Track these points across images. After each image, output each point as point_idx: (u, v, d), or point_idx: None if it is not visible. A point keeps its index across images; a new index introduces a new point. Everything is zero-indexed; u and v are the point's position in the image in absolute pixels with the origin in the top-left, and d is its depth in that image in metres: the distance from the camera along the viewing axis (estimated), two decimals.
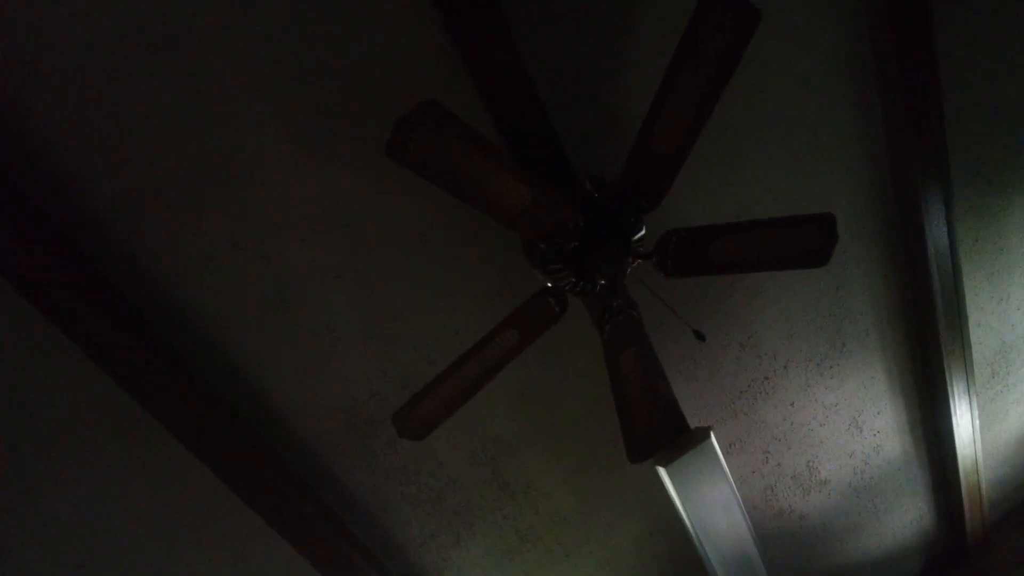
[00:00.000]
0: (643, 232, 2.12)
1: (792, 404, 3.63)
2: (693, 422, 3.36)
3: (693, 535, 2.84)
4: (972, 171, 3.25)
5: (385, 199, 2.39)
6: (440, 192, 1.61)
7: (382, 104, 2.22)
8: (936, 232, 3.17)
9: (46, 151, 1.98)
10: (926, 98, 2.79)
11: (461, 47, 2.04)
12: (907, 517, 4.43)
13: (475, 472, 3.12)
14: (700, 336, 2.09)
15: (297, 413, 2.68)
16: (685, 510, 2.75)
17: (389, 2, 2.10)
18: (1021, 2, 2.89)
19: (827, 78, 2.76)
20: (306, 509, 2.74)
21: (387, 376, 2.72)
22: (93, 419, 2.40)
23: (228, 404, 2.49)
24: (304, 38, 2.07)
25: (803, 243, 2.05)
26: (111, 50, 1.92)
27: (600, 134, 2.52)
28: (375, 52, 2.16)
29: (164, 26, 1.93)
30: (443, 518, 3.18)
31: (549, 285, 2.15)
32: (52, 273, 2.01)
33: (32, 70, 1.87)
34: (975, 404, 3.89)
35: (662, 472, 2.67)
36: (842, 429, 3.86)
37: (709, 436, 2.65)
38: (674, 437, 2.41)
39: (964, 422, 3.92)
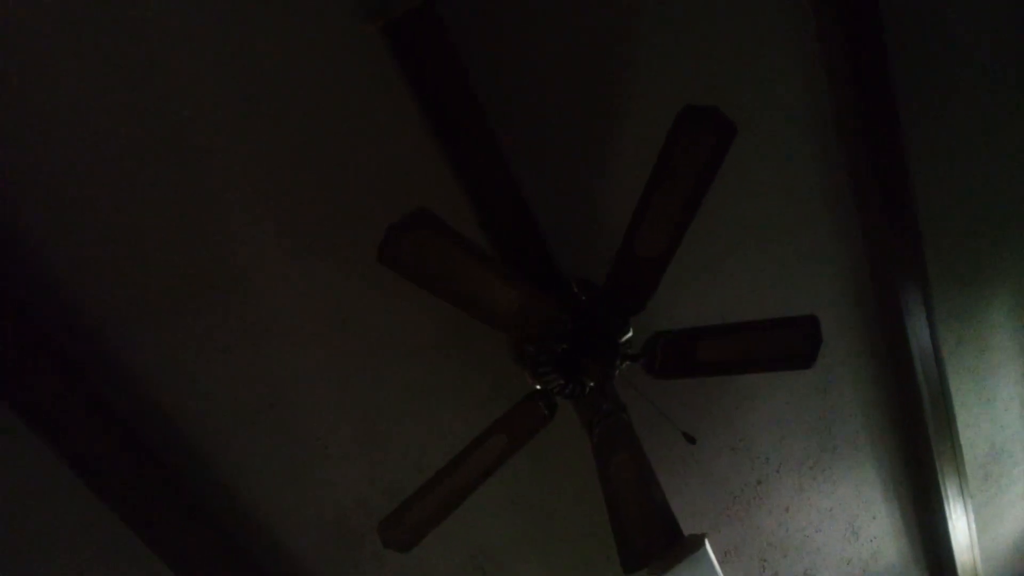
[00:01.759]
0: (630, 334, 2.14)
1: (787, 509, 3.56)
2: (687, 528, 3.26)
3: None
4: (950, 274, 3.32)
5: (375, 305, 2.41)
6: (431, 297, 1.63)
7: (375, 212, 2.28)
8: (919, 334, 3.21)
9: (35, 256, 1.99)
10: (901, 203, 2.89)
11: (450, 155, 2.11)
12: None
13: None
14: (691, 439, 2.08)
15: (281, 522, 2.61)
16: None
17: (380, 113, 2.18)
18: (991, 110, 3.04)
19: (804, 184, 2.86)
20: None
21: (374, 484, 2.67)
22: (71, 527, 2.33)
23: (209, 511, 2.42)
24: (300, 148, 2.14)
25: (788, 345, 2.07)
26: (104, 155, 1.96)
27: (586, 238, 2.58)
28: (369, 161, 2.22)
29: (157, 132, 1.98)
30: None
31: (538, 388, 2.15)
32: (36, 376, 1.99)
33: (23, 175, 1.91)
34: (970, 507, 3.83)
35: None
36: (838, 535, 3.78)
37: (704, 544, 2.60)
38: (668, 545, 2.36)
39: (960, 525, 3.85)
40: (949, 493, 3.72)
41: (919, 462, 3.70)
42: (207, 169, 2.07)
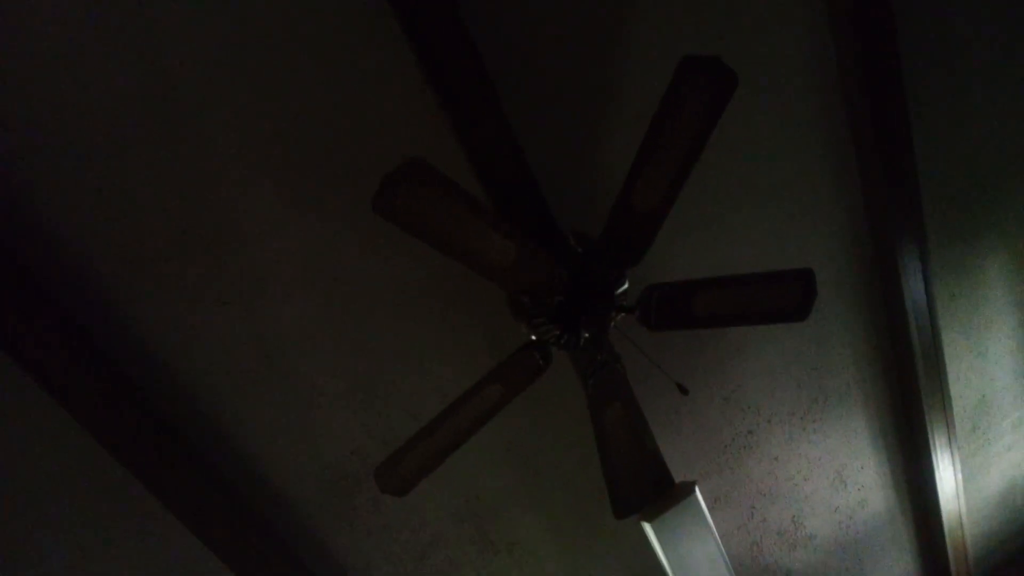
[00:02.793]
0: (626, 286, 2.14)
1: (776, 458, 3.62)
2: (678, 476, 3.34)
3: None
4: (946, 230, 3.32)
5: (371, 255, 2.41)
6: (426, 248, 1.62)
7: (369, 161, 2.26)
8: (914, 288, 3.23)
9: (31, 211, 1.99)
10: (901, 159, 2.87)
11: (448, 105, 2.08)
12: (893, 573, 4.39)
13: (458, 529, 3.07)
14: (684, 390, 2.10)
15: (279, 470, 2.65)
16: (670, 566, 2.72)
17: (377, 64, 2.15)
18: (993, 67, 3.00)
19: (804, 137, 2.84)
20: (286, 568, 2.69)
21: (370, 432, 2.70)
22: (73, 476, 2.36)
23: (210, 461, 2.46)
24: (294, 99, 2.11)
25: (783, 298, 2.08)
26: (103, 113, 1.95)
27: (584, 190, 2.56)
28: (363, 111, 2.20)
29: (154, 87, 1.97)
30: None
31: (533, 339, 2.16)
32: (39, 334, 2.00)
33: (24, 135, 1.90)
34: (957, 458, 3.90)
35: (647, 528, 2.65)
36: (826, 483, 3.85)
37: (694, 491, 2.65)
38: (659, 492, 2.40)
39: (947, 476, 3.92)
40: (937, 444, 3.78)
41: (908, 413, 3.76)
42: (202, 122, 2.05)
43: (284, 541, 2.70)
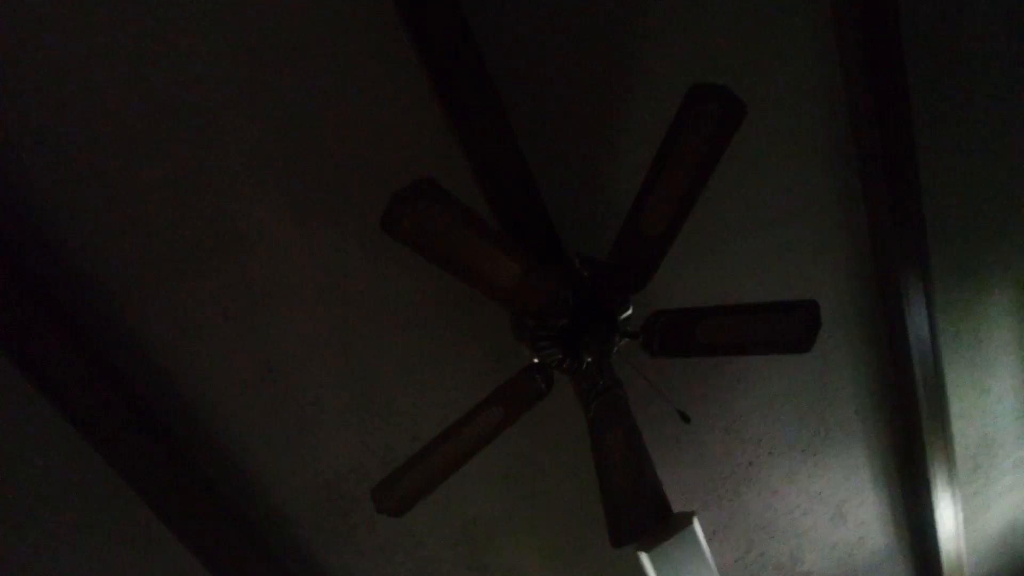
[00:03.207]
0: (630, 311, 2.14)
1: (776, 491, 3.59)
2: (676, 506, 3.31)
3: None
4: (951, 267, 3.33)
5: (377, 273, 2.41)
6: (432, 266, 1.63)
7: (377, 180, 2.27)
8: (918, 324, 3.22)
9: (42, 219, 1.99)
10: (907, 195, 2.88)
11: (457, 126, 2.09)
12: None
13: (454, 553, 3.04)
14: (685, 418, 2.09)
15: (277, 486, 2.63)
16: None
17: (386, 80, 2.16)
18: (1000, 104, 3.02)
19: (811, 170, 2.85)
20: None
21: (369, 451, 2.68)
22: (72, 489, 2.35)
23: (207, 476, 2.45)
24: (301, 114, 2.13)
25: (787, 329, 2.07)
26: (113, 120, 1.96)
27: (590, 214, 2.57)
28: (370, 128, 2.21)
29: (165, 97, 1.98)
30: None
31: (536, 361, 2.15)
32: (40, 340, 1.99)
33: (34, 138, 1.91)
34: (958, 497, 3.86)
35: (644, 558, 2.62)
36: (826, 519, 3.82)
37: (692, 522, 2.62)
38: (657, 521, 2.38)
39: (947, 515, 3.89)
40: (938, 482, 3.75)
41: (910, 450, 3.73)
42: (210, 134, 2.07)
43: (279, 558, 2.68)
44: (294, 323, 2.39)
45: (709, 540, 3.51)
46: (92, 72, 1.89)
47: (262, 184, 2.17)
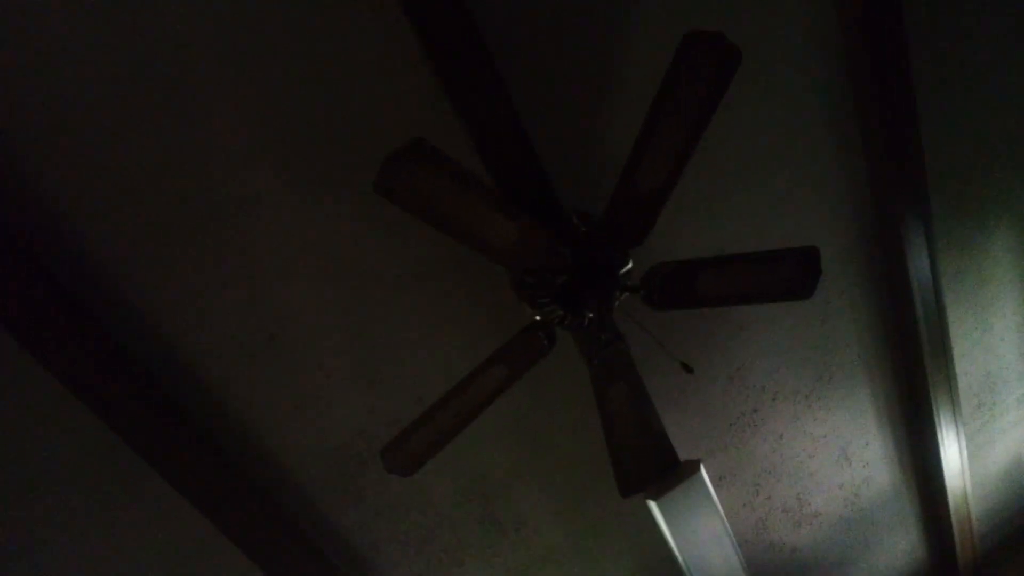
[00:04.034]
0: (630, 266, 2.13)
1: (781, 436, 3.63)
2: (683, 455, 3.35)
3: (685, 570, 2.82)
4: (952, 206, 3.31)
5: (375, 237, 2.41)
6: (430, 229, 1.62)
7: (371, 143, 2.25)
8: (919, 265, 3.21)
9: (36, 191, 1.98)
10: (905, 134, 2.85)
11: (450, 86, 2.07)
12: (898, 549, 4.41)
13: (465, 509, 3.09)
14: (688, 369, 2.11)
15: (286, 451, 2.66)
16: (676, 544, 2.73)
17: (380, 44, 2.13)
18: (997, 41, 2.97)
19: (808, 114, 2.82)
20: (294, 548, 2.71)
21: (376, 414, 2.71)
22: (84, 461, 2.37)
23: (217, 443, 2.47)
24: (296, 80, 2.10)
25: (788, 276, 2.07)
26: (105, 90, 1.94)
27: (587, 170, 2.55)
28: (363, 90, 2.19)
29: (157, 65, 1.96)
30: (432, 557, 3.15)
31: (537, 319, 2.16)
32: (42, 314, 2.00)
33: (24, 109, 1.89)
34: (962, 435, 3.90)
35: (652, 506, 2.66)
36: (831, 461, 3.86)
37: (699, 469, 2.65)
38: (664, 470, 2.41)
39: (952, 453, 3.93)
40: (942, 420, 3.78)
41: (913, 390, 3.76)
42: (204, 104, 2.05)
43: (292, 520, 2.72)
44: (293, 289, 2.39)
45: (716, 486, 3.56)
46: (83, 43, 1.87)
47: (258, 151, 2.15)
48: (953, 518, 4.19)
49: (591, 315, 2.08)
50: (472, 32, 2.01)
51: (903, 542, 4.39)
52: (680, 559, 2.78)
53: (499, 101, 2.12)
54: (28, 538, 2.44)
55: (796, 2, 2.59)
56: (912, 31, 2.69)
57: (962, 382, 3.88)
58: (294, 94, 2.12)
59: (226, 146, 2.12)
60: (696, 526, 2.73)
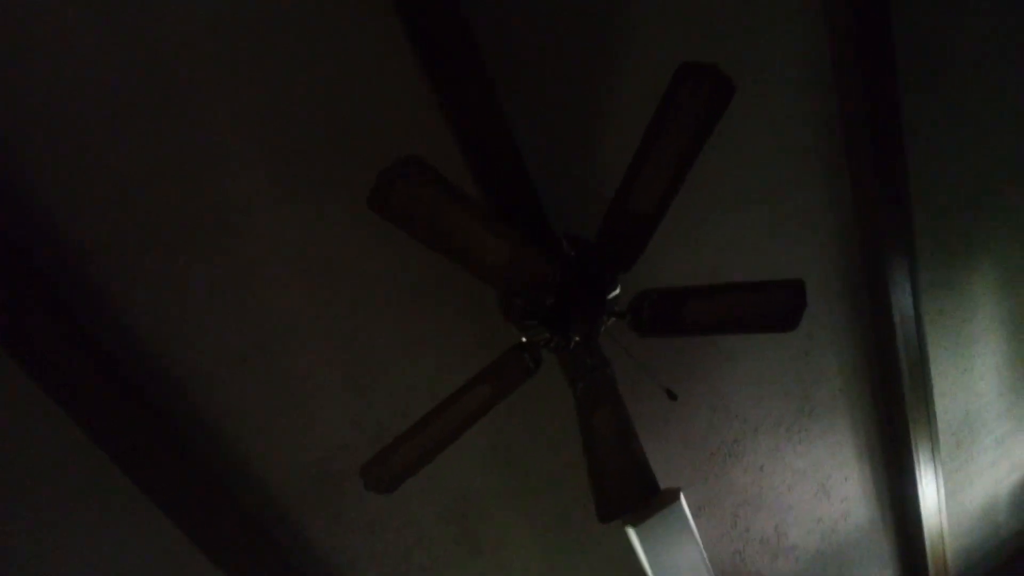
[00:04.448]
0: (618, 291, 2.14)
1: (761, 468, 3.63)
2: (663, 483, 3.35)
3: None
4: (936, 244, 3.35)
5: (365, 251, 2.41)
6: (420, 245, 1.62)
7: (365, 157, 2.26)
8: (902, 302, 3.25)
9: (24, 195, 1.97)
10: (893, 172, 2.89)
11: (446, 104, 2.08)
12: None
13: (444, 529, 3.07)
14: (672, 396, 2.11)
15: (265, 464, 2.63)
16: (653, 572, 2.73)
17: (375, 58, 2.15)
18: (987, 83, 3.03)
19: (798, 147, 2.86)
20: (270, 563, 2.68)
21: (359, 428, 2.69)
22: (59, 468, 2.34)
23: (195, 452, 2.45)
24: (291, 90, 2.11)
25: (774, 307, 2.09)
26: (99, 95, 1.94)
27: (578, 193, 2.57)
28: (358, 104, 2.20)
29: (151, 72, 1.96)
30: (409, 575, 3.11)
31: (524, 340, 2.16)
32: (28, 319, 1.98)
33: (18, 112, 1.89)
34: (940, 473, 3.92)
35: (631, 533, 2.65)
36: (810, 494, 3.87)
37: (679, 497, 2.65)
38: (644, 498, 2.41)
39: (930, 491, 3.95)
40: (921, 458, 3.80)
41: (893, 427, 3.78)
42: (197, 109, 2.05)
43: (268, 534, 2.69)
44: (281, 300, 2.38)
45: (695, 515, 3.56)
46: (75, 44, 1.87)
47: (249, 160, 2.16)
48: (929, 556, 4.20)
49: (577, 339, 2.08)
50: (470, 51, 2.03)
51: None
52: None
53: (494, 121, 2.14)
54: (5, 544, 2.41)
55: (791, 36, 2.63)
56: (903, 72, 2.73)
57: (942, 421, 3.91)
58: (288, 102, 2.13)
59: (217, 155, 2.12)
60: (674, 554, 2.73)
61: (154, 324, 2.28)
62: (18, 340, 1.99)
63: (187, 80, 2.01)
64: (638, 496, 2.39)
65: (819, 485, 3.85)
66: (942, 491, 4.01)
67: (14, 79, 1.85)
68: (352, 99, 2.19)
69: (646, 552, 2.68)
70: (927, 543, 4.14)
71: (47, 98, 1.90)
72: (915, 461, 3.80)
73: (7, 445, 2.25)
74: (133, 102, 1.98)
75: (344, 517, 2.85)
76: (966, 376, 3.88)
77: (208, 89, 2.04)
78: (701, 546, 2.78)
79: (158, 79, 1.98)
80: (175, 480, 2.39)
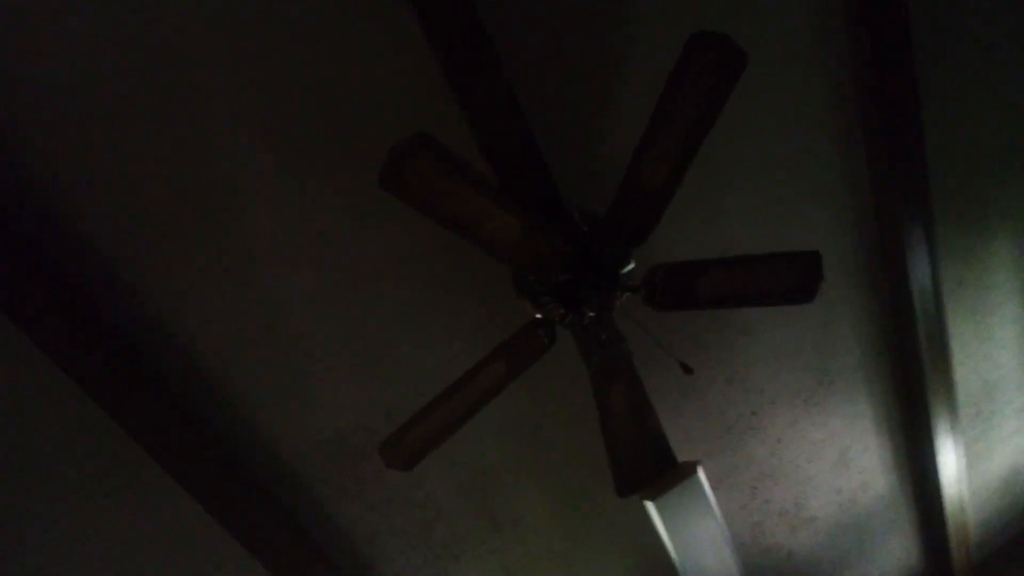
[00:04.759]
0: (632, 266, 2.14)
1: (779, 440, 3.63)
2: (681, 457, 3.35)
3: (680, 571, 2.83)
4: (954, 214, 3.31)
5: (376, 228, 2.41)
6: (432, 222, 1.62)
7: (374, 134, 2.25)
8: (920, 272, 3.21)
9: (34, 177, 1.99)
10: (909, 141, 2.85)
11: (455, 81, 2.07)
12: (894, 555, 4.41)
13: (463, 504, 3.10)
14: (688, 369, 2.10)
15: (283, 443, 2.66)
16: (673, 545, 2.74)
17: (382, 34, 2.14)
18: (1005, 49, 2.97)
19: (811, 117, 2.82)
20: (291, 541, 2.72)
21: (375, 407, 2.71)
22: (78, 447, 2.38)
23: (214, 433, 2.48)
24: (298, 69, 2.11)
25: (790, 280, 2.07)
26: (103, 76, 1.94)
27: (590, 168, 2.55)
28: (367, 83, 2.19)
29: (155, 52, 1.96)
30: (429, 551, 3.15)
31: (538, 317, 2.16)
32: (39, 298, 2.00)
33: (23, 98, 1.89)
34: (960, 443, 3.90)
35: (650, 507, 2.66)
36: (829, 466, 3.86)
37: (697, 471, 2.66)
38: (662, 471, 2.41)
39: (949, 460, 3.93)
40: (940, 428, 3.78)
41: (912, 397, 3.75)
42: (205, 89, 2.05)
43: (289, 512, 2.73)
44: (294, 279, 2.40)
45: (714, 488, 3.56)
46: (79, 24, 1.87)
47: (257, 139, 2.16)
48: (949, 526, 4.19)
49: (591, 314, 2.08)
50: (478, 27, 2.01)
51: (899, 549, 4.39)
52: (676, 560, 2.79)
53: (504, 98, 2.12)
54: (14, 517, 2.44)
55: (805, 6, 2.59)
56: (917, 40, 2.68)
57: (961, 390, 3.88)
58: (294, 85, 2.13)
59: (224, 134, 2.12)
60: (693, 528, 2.74)
61: (166, 304, 2.30)
62: (30, 322, 2.02)
63: (193, 68, 2.01)
64: (656, 470, 2.39)
65: (838, 456, 3.84)
66: (962, 461, 3.98)
67: (19, 70, 1.86)
68: (360, 78, 2.18)
69: (665, 525, 2.69)
70: (947, 513, 4.12)
71: (52, 87, 1.91)
72: (934, 431, 3.78)
73: (23, 424, 2.29)
74: (140, 89, 1.99)
75: (364, 493, 2.89)
76: (986, 346, 3.84)
77: (214, 75, 2.04)
78: (721, 519, 2.78)
79: (164, 67, 1.98)
80: (194, 459, 2.43)
